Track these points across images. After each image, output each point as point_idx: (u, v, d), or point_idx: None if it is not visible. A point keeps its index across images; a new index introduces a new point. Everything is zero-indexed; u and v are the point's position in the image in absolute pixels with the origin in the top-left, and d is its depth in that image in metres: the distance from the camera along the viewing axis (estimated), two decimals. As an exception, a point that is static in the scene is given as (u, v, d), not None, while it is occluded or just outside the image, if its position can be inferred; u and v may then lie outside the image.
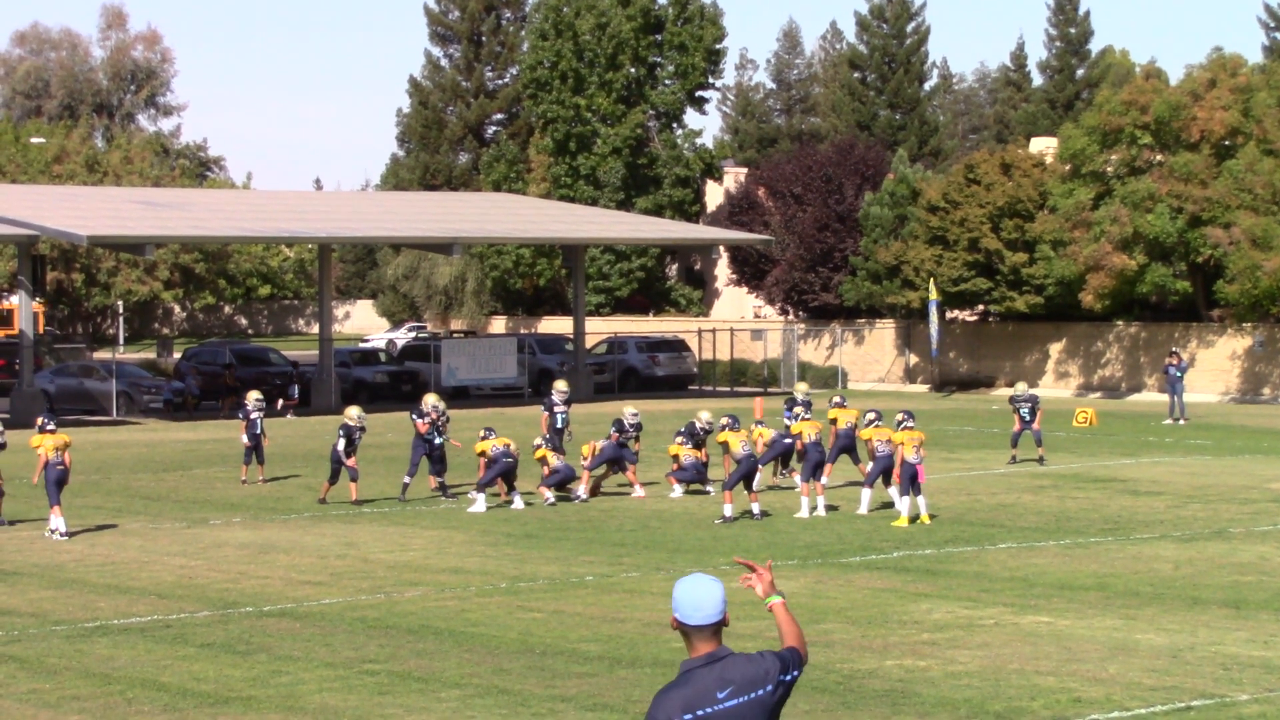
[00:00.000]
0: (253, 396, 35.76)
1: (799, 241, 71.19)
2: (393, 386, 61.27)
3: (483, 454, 31.12)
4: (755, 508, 29.10)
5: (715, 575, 7.71)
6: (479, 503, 30.87)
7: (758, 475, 29.88)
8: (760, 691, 7.57)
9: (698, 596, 7.66)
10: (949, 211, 62.78)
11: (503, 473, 31.08)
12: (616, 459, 33.02)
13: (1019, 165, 62.87)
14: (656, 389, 64.90)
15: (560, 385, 36.65)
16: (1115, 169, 60.33)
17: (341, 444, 31.55)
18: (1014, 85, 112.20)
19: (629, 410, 33.88)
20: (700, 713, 7.45)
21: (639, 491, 32.59)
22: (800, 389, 36.12)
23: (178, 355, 73.43)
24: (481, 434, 31.72)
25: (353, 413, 32.32)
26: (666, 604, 20.99)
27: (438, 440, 32.58)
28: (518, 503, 30.96)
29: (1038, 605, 20.70)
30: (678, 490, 32.44)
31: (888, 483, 29.82)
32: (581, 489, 32.31)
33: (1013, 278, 61.92)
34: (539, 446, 32.67)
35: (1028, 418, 37.46)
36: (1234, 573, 23.16)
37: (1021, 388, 38.68)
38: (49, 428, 28.75)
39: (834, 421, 32.67)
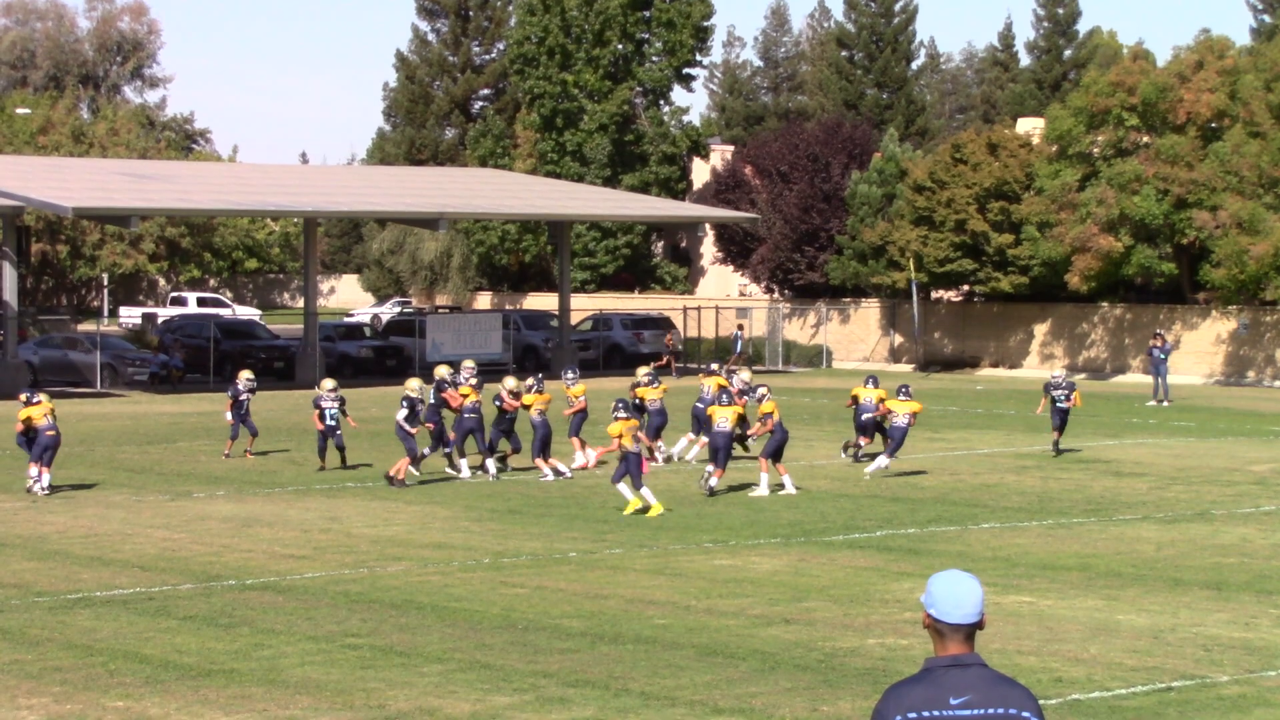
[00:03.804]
0: (244, 376, 35.72)
1: (785, 220, 71.19)
2: (377, 361, 61.26)
3: (465, 395, 31.85)
4: (770, 480, 29.37)
5: (970, 572, 7.23)
6: (464, 469, 31.60)
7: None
8: (1000, 711, 6.96)
9: (959, 594, 7.07)
10: (935, 192, 62.80)
11: (470, 430, 31.56)
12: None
13: (1006, 146, 62.89)
14: (641, 366, 64.83)
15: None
16: (1102, 150, 60.37)
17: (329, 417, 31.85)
18: (1001, 65, 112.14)
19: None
20: (926, 714, 6.94)
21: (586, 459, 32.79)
22: (743, 376, 35.60)
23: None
24: (473, 381, 32.58)
25: (327, 384, 32.37)
26: (649, 580, 21.10)
27: (330, 423, 32.23)
28: (465, 472, 31.52)
29: (1020, 585, 20.76)
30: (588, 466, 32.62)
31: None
32: (591, 454, 32.55)
33: (998, 259, 61.98)
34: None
35: (1062, 403, 34.75)
36: (1216, 554, 23.23)
37: (1060, 372, 36.15)
38: (36, 400, 29.43)
39: (855, 399, 34.19)
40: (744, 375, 34.13)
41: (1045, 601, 19.79)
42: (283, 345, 61.15)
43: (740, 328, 65.46)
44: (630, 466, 26.98)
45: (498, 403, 31.95)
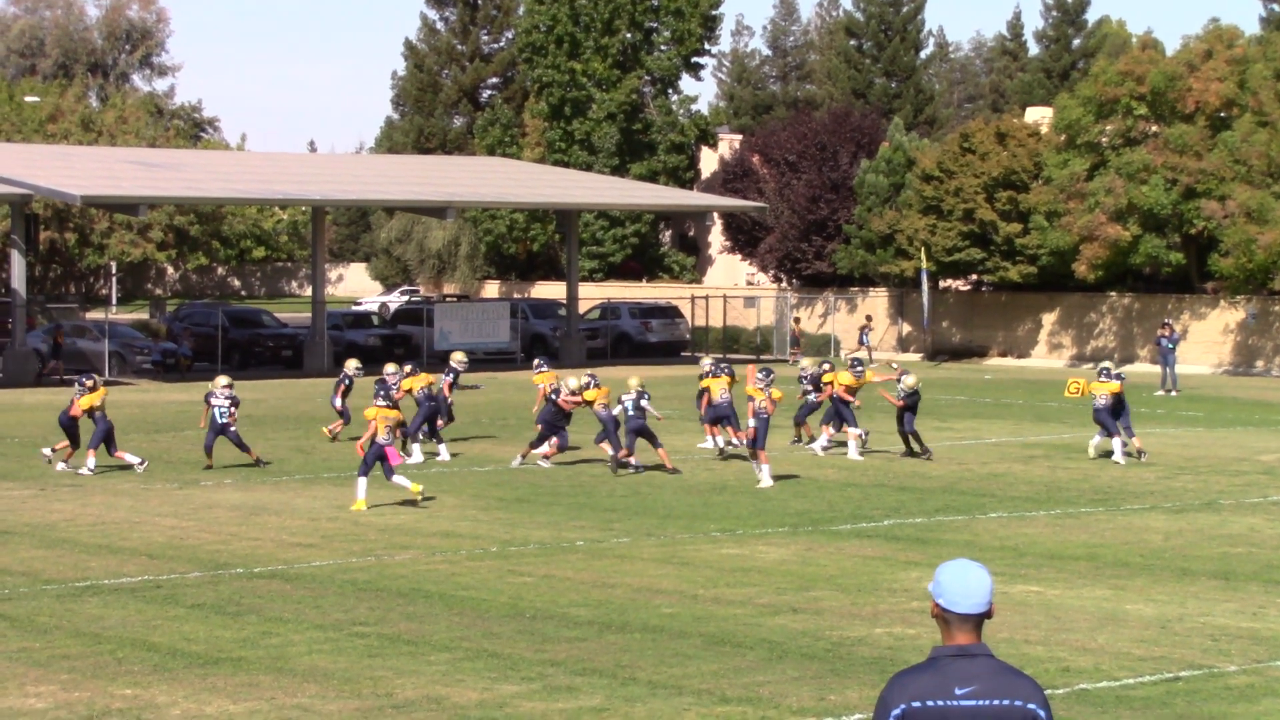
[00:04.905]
0: (351, 365, 36.10)
1: (793, 209, 71.14)
2: (385, 350, 61.26)
3: (409, 391, 32.37)
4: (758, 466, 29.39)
5: (978, 561, 7.17)
6: (416, 453, 32.25)
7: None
8: (1005, 702, 6.91)
9: (967, 584, 7.04)
10: (943, 181, 62.74)
11: (429, 416, 32.37)
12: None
13: (1014, 135, 62.80)
14: (649, 355, 64.92)
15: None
16: (1110, 140, 60.27)
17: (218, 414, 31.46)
18: (1010, 54, 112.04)
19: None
20: (930, 703, 6.89)
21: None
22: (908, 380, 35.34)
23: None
24: (409, 369, 33.31)
25: (221, 381, 31.85)
26: (656, 569, 21.10)
27: (221, 420, 31.36)
28: (416, 455, 32.23)
29: (1027, 575, 20.76)
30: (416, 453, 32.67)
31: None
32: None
33: (1006, 248, 61.93)
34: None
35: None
36: (1224, 544, 23.22)
37: (1108, 363, 34.68)
38: (95, 386, 31.15)
39: (829, 383, 34.37)
40: (909, 380, 33.08)
41: (1053, 591, 19.78)
42: (290, 334, 61.20)
43: (869, 318, 65.45)
44: (377, 456, 26.39)
45: (553, 397, 31.76)
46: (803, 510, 26.34)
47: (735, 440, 32.64)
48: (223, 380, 31.92)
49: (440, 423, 33.72)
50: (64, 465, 31.13)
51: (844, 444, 33.62)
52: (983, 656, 6.98)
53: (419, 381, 33.19)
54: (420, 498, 26.55)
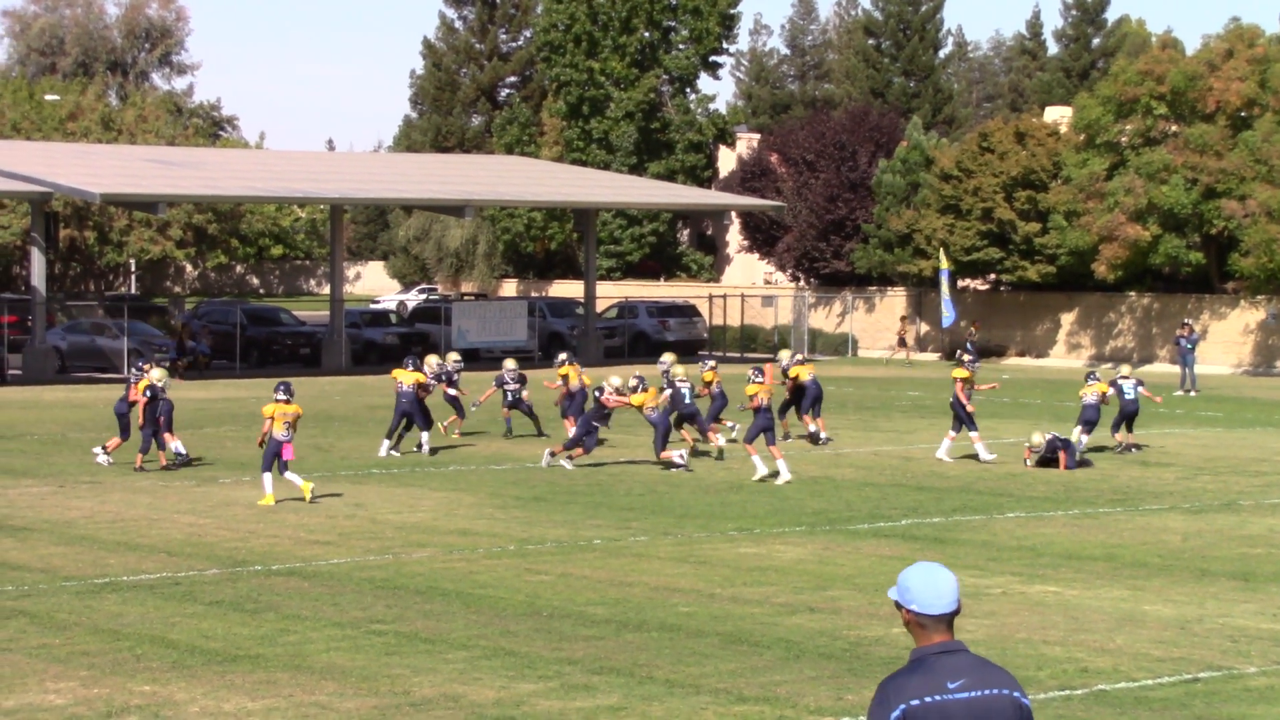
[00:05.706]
0: (508, 366, 36.31)
1: (810, 208, 71.10)
2: (403, 348, 61.28)
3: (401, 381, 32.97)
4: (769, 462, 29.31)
5: (942, 562, 7.28)
6: (383, 448, 32.83)
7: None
8: (994, 692, 7.16)
9: (936, 586, 7.25)
10: (962, 180, 62.67)
11: (406, 413, 32.53)
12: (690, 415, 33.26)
13: (1033, 134, 62.73)
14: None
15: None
16: (1130, 139, 60.16)
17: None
18: (1029, 54, 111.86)
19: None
20: (929, 699, 7.10)
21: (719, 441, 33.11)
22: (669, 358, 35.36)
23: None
24: (408, 365, 33.51)
25: (159, 374, 31.62)
26: (673, 568, 21.10)
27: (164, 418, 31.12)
28: (424, 447, 32.88)
29: (1045, 575, 20.71)
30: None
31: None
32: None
33: (1025, 247, 61.83)
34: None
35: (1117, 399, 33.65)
36: (1243, 545, 23.16)
37: (1125, 369, 34.86)
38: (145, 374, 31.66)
39: (796, 378, 35.06)
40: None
41: (1071, 591, 19.74)
42: (309, 332, 61.26)
43: (975, 324, 61.85)
44: (274, 452, 26.36)
45: (598, 395, 31.63)
46: (820, 509, 26.32)
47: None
48: (163, 374, 31.76)
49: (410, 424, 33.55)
50: (108, 458, 31.08)
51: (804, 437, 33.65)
52: (962, 651, 7.24)
53: (408, 377, 32.97)
54: (310, 498, 26.37)
